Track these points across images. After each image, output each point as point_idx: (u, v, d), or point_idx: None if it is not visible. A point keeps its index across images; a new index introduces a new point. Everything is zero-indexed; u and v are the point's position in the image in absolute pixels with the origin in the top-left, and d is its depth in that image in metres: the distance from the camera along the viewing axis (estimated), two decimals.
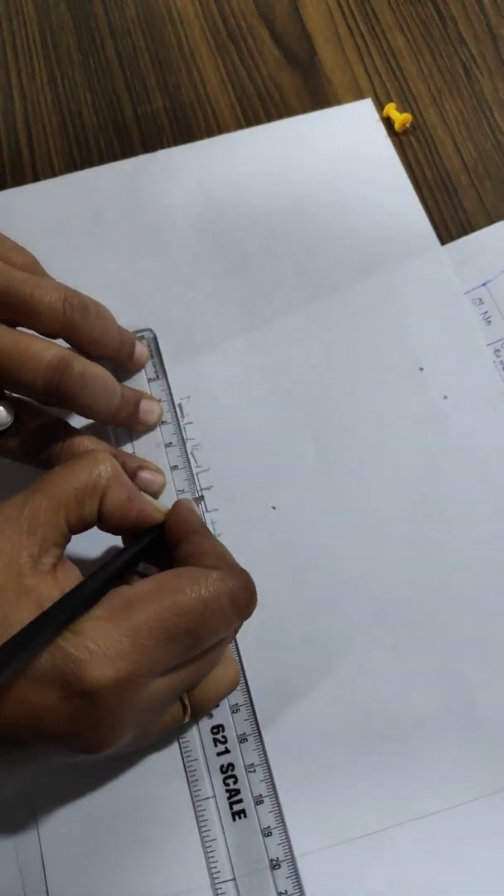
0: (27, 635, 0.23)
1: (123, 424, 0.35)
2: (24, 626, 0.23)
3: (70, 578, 0.26)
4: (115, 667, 0.23)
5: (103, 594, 0.25)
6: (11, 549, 0.25)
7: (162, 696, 0.25)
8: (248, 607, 0.27)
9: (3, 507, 0.26)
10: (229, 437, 0.35)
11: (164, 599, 0.25)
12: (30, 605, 0.24)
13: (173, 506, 0.30)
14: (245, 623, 0.31)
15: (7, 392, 0.31)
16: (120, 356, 0.34)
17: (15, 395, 0.31)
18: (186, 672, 0.26)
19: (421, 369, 0.36)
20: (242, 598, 0.26)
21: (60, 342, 0.31)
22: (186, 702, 0.28)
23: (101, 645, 0.24)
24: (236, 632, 0.28)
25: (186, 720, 0.28)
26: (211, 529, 0.33)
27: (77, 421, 0.34)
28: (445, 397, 0.35)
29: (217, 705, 0.31)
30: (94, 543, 0.30)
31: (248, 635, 0.31)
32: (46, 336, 0.30)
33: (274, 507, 0.34)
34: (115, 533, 0.29)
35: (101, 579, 0.26)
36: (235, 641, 0.32)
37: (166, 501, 0.33)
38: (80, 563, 0.31)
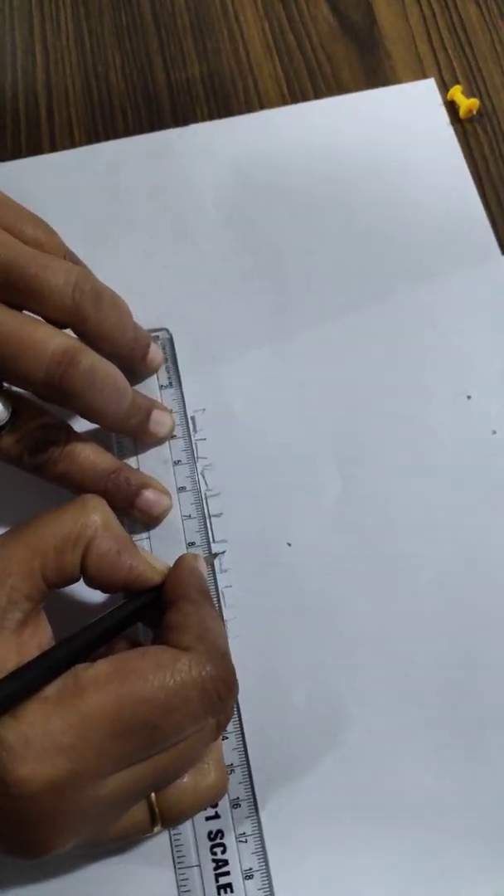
0: None
1: (131, 433, 0.32)
2: None
3: (39, 639, 0.24)
4: (53, 763, 0.21)
5: (66, 669, 0.23)
6: None
7: (113, 798, 0.23)
8: (221, 701, 0.24)
9: None
10: (245, 459, 0.33)
11: (122, 685, 0.22)
12: None
13: (175, 563, 0.28)
14: (245, 675, 0.29)
15: (6, 386, 0.29)
16: (132, 356, 0.32)
17: (15, 389, 0.29)
18: (144, 770, 0.23)
19: (469, 397, 0.34)
20: (214, 691, 0.24)
21: (70, 333, 0.29)
22: (155, 808, 0.25)
23: (40, 735, 0.21)
24: (222, 728, 0.26)
25: (156, 830, 0.25)
26: (216, 565, 0.31)
27: (81, 424, 0.31)
28: (494, 432, 0.33)
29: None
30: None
31: (249, 689, 0.29)
32: (53, 324, 0.28)
33: (289, 545, 0.31)
34: (105, 591, 0.27)
35: (67, 651, 0.23)
36: None
37: (170, 528, 0.32)
38: (85, 608, 0.30)
